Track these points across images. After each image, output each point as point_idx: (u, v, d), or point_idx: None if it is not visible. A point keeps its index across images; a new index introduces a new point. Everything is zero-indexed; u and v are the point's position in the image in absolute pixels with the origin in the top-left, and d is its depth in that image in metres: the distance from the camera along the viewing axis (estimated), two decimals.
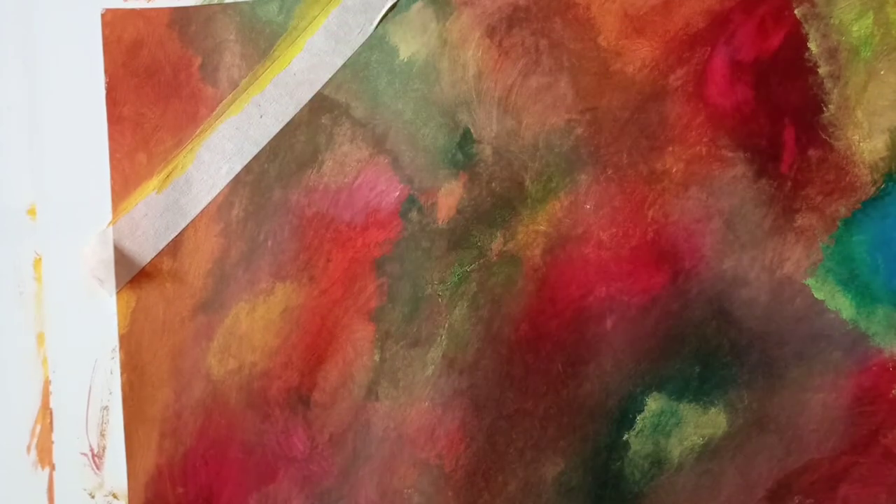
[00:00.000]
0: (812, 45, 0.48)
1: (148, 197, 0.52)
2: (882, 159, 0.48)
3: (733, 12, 0.48)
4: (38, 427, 0.53)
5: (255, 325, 0.51)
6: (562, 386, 0.50)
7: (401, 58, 0.50)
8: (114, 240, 0.52)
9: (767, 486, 0.49)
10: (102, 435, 0.53)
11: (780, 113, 0.48)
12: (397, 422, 0.51)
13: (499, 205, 0.50)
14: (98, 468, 0.53)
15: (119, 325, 0.52)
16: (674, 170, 0.49)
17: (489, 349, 0.50)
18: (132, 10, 0.52)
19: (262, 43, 0.51)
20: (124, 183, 0.52)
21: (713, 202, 0.49)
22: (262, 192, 0.51)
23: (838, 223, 0.48)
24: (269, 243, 0.51)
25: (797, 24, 0.48)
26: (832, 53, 0.48)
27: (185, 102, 0.52)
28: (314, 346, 0.51)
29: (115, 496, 0.53)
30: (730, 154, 0.48)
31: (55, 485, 0.53)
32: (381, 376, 0.51)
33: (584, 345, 0.49)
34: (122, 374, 0.52)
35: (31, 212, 0.53)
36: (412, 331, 0.51)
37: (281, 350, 0.51)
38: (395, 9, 0.50)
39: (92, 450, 0.53)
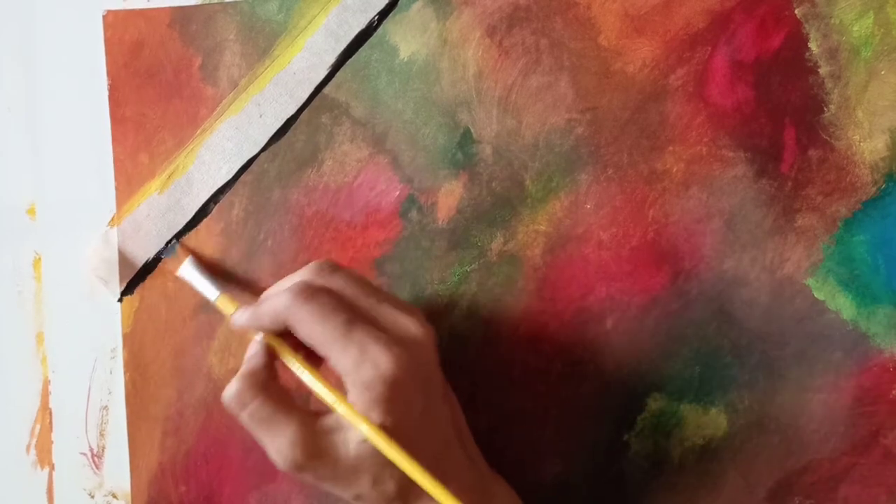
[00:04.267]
0: (813, 45, 0.48)
1: (150, 197, 0.52)
2: (882, 159, 0.47)
3: (734, 12, 0.48)
4: (38, 427, 0.53)
5: None
6: (562, 386, 0.50)
7: (401, 57, 0.50)
8: (118, 241, 0.52)
9: (768, 487, 0.49)
10: (102, 435, 0.53)
11: (780, 113, 0.48)
12: None
13: (499, 204, 0.50)
14: (97, 468, 0.53)
15: (122, 324, 0.52)
16: (674, 170, 0.49)
17: (489, 350, 0.50)
18: (133, 11, 0.52)
19: (262, 42, 0.51)
20: (127, 183, 0.52)
21: (713, 202, 0.49)
22: (262, 191, 0.51)
23: (839, 223, 0.48)
24: (269, 243, 0.51)
25: (798, 23, 0.48)
26: (833, 53, 0.48)
27: (186, 102, 0.52)
28: None
29: (114, 496, 0.53)
30: (730, 154, 0.48)
31: (55, 484, 0.53)
32: None
33: (583, 345, 0.49)
34: (125, 372, 0.52)
35: (31, 211, 0.53)
36: None
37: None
38: (396, 8, 0.50)
39: (91, 449, 0.53)
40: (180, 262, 0.50)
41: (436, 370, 0.44)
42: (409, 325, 0.42)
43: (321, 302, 0.40)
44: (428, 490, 0.40)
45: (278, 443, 0.41)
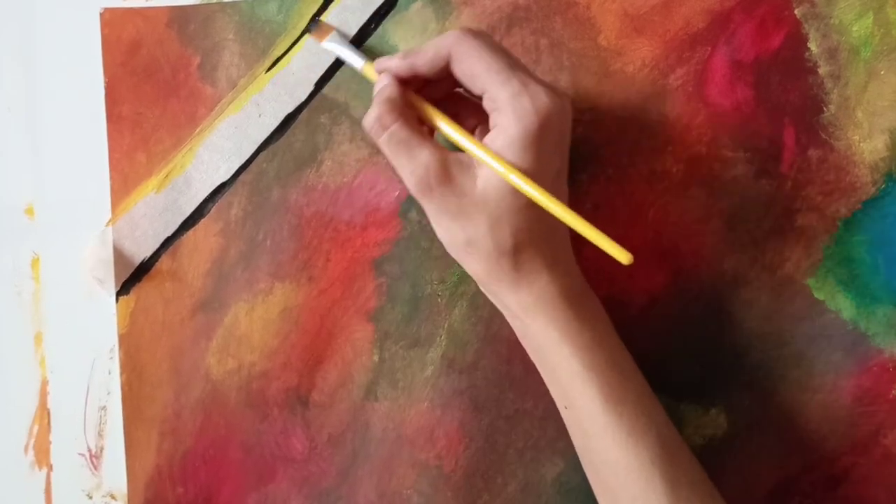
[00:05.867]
0: (812, 45, 0.48)
1: (147, 196, 0.52)
2: (882, 159, 0.48)
3: (733, 12, 0.48)
4: (36, 427, 0.53)
5: (254, 325, 0.51)
6: None
7: None
8: (113, 240, 0.52)
9: (767, 487, 0.49)
10: (100, 435, 0.53)
11: (780, 113, 0.48)
12: (396, 422, 0.51)
13: None
14: (96, 468, 0.53)
15: (118, 324, 0.52)
16: (674, 170, 0.49)
17: (489, 349, 0.50)
18: (131, 10, 0.52)
19: (262, 42, 0.51)
20: (123, 182, 0.52)
21: (713, 202, 0.49)
22: (261, 191, 0.51)
23: (838, 223, 0.48)
24: (268, 243, 0.51)
25: (797, 24, 0.48)
26: (832, 53, 0.48)
27: (184, 102, 0.52)
28: (313, 346, 0.51)
29: (112, 497, 0.52)
30: (730, 154, 0.48)
31: (53, 485, 0.53)
32: (380, 377, 0.51)
33: None
34: (121, 373, 0.52)
35: (29, 211, 0.53)
36: (411, 331, 0.51)
37: (280, 350, 0.51)
38: (395, 8, 0.50)
39: (90, 450, 0.53)
40: (325, 35, 0.50)
41: (568, 146, 0.44)
42: (557, 88, 0.43)
43: (488, 40, 0.42)
44: (560, 215, 0.40)
45: (413, 164, 0.42)
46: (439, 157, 0.42)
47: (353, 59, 0.48)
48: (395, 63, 0.44)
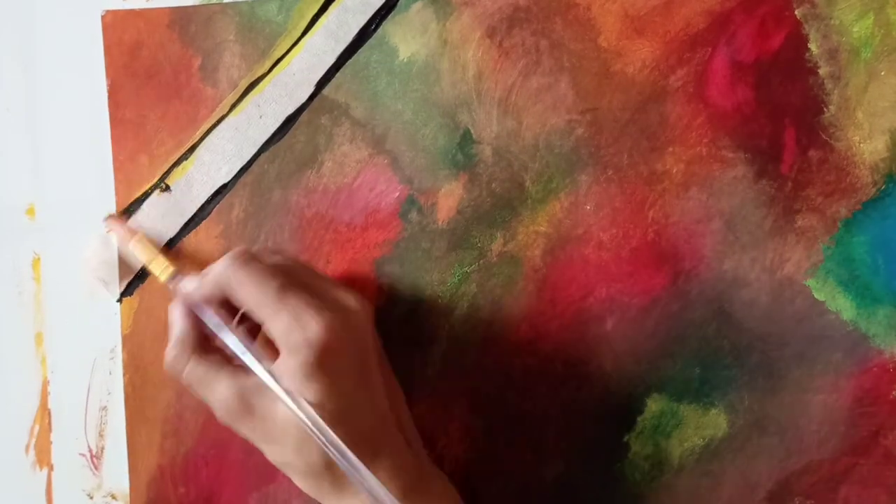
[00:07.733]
0: (813, 46, 0.48)
1: (150, 199, 0.52)
2: (882, 160, 0.47)
3: (734, 13, 0.48)
4: (37, 427, 0.53)
5: None
6: (562, 387, 0.50)
7: (401, 58, 0.50)
8: (117, 242, 0.52)
9: (768, 488, 0.49)
10: (101, 435, 0.53)
11: (780, 114, 0.48)
12: None
13: (499, 205, 0.50)
14: (96, 469, 0.53)
15: (122, 325, 0.52)
16: (674, 170, 0.49)
17: (489, 350, 0.50)
18: (132, 11, 0.52)
19: (262, 43, 0.51)
20: (127, 185, 0.52)
21: (714, 203, 0.49)
22: (262, 192, 0.51)
23: (839, 224, 0.48)
24: (269, 244, 0.51)
25: (798, 24, 0.48)
26: (833, 54, 0.48)
27: (186, 104, 0.52)
28: None
29: (113, 497, 0.53)
30: (730, 155, 0.48)
31: (53, 485, 0.53)
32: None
33: (584, 346, 0.49)
34: (124, 374, 0.52)
35: (30, 212, 0.53)
36: (412, 331, 0.51)
37: None
38: (396, 9, 0.50)
39: (90, 450, 0.53)
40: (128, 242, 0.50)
41: (372, 345, 0.44)
42: (345, 297, 0.43)
43: (258, 266, 0.41)
44: (346, 460, 0.40)
45: (214, 398, 0.42)
46: (236, 389, 0.41)
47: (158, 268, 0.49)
48: (191, 289, 0.43)
